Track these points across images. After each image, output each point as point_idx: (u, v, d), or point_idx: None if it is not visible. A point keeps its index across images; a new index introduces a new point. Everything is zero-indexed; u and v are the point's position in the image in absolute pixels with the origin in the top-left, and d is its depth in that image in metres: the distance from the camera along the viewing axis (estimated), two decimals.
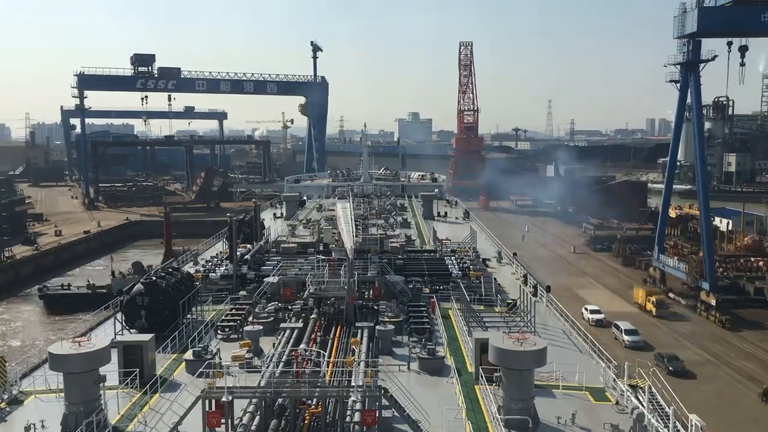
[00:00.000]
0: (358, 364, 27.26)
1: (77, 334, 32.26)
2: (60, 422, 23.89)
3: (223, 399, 22.26)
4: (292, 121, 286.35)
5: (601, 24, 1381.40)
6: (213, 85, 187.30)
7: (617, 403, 26.69)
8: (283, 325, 34.00)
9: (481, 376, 27.65)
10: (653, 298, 79.51)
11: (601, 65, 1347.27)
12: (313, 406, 24.21)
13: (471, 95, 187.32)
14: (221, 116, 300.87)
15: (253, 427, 22.43)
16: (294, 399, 23.52)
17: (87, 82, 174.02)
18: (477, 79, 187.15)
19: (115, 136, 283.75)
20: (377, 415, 22.78)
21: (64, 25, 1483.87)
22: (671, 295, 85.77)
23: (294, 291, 40.06)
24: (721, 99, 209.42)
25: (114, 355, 26.89)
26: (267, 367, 27.42)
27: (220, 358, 29.24)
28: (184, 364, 29.91)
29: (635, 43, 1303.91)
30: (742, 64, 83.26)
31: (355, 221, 48.90)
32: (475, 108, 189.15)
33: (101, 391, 24.37)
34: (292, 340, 31.48)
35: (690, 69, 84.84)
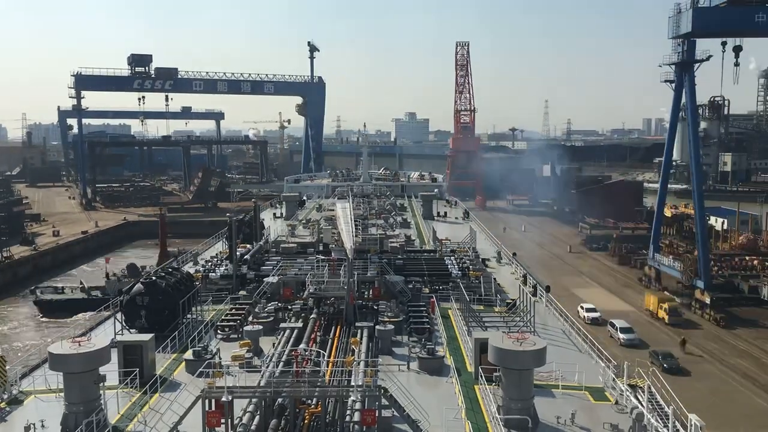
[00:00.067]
0: (358, 364, 27.25)
1: (77, 334, 32.23)
2: (60, 422, 23.84)
3: (223, 399, 22.25)
4: (289, 122, 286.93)
5: (598, 24, 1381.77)
6: (210, 86, 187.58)
7: (617, 402, 26.72)
8: (282, 324, 33.97)
9: (481, 376, 27.65)
10: (666, 305, 76.53)
11: (598, 65, 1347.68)
12: (312, 406, 24.20)
13: (468, 95, 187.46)
14: (218, 116, 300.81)
15: (252, 427, 22.41)
16: (294, 399, 23.51)
17: (84, 82, 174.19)
18: (474, 79, 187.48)
19: (112, 136, 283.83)
20: (377, 414, 22.76)
21: (61, 25, 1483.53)
22: (667, 294, 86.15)
23: (294, 291, 40.02)
24: (716, 99, 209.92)
25: (114, 354, 26.84)
26: (267, 367, 27.40)
27: (220, 358, 29.23)
28: (183, 363, 29.89)
29: (632, 43, 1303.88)
30: (737, 64, 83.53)
31: (354, 221, 49.04)
32: (472, 108, 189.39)
33: (101, 391, 24.33)
34: (291, 339, 31.46)
35: (685, 69, 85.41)
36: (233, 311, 37.46)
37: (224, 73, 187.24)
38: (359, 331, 32.61)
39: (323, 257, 45.79)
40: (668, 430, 23.67)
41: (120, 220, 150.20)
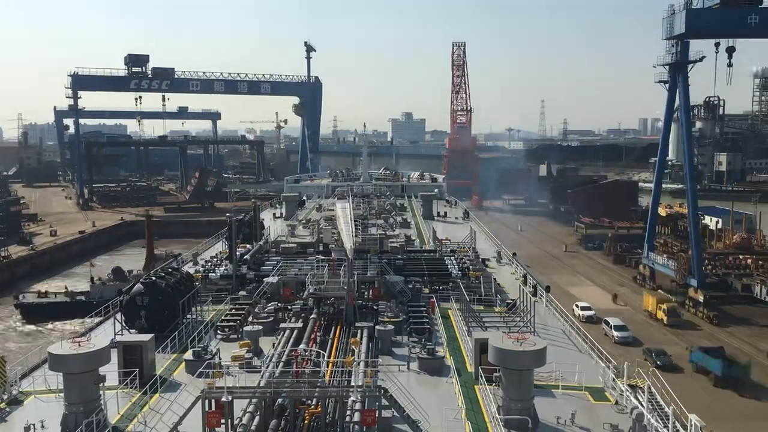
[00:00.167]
0: (358, 364, 27.23)
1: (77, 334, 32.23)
2: (60, 422, 23.81)
3: (223, 399, 22.23)
4: (285, 122, 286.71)
5: (595, 24, 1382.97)
6: (207, 86, 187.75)
7: (617, 402, 26.72)
8: (282, 325, 33.94)
9: (481, 376, 27.65)
10: (664, 306, 76.46)
11: (594, 65, 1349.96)
12: (312, 406, 24.16)
13: (464, 95, 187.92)
14: (215, 116, 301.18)
15: (252, 427, 22.38)
16: (294, 399, 23.49)
17: (81, 82, 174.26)
18: (470, 79, 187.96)
19: (109, 136, 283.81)
20: (377, 415, 22.76)
21: (56, 25, 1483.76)
22: (661, 292, 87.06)
23: (294, 291, 39.98)
24: (712, 99, 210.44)
25: (114, 355, 26.82)
26: (267, 367, 27.36)
27: (220, 358, 29.21)
28: (183, 364, 29.86)
29: (629, 43, 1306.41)
30: (730, 65, 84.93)
31: (354, 221, 49.03)
32: (468, 108, 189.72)
33: (101, 391, 24.31)
34: (291, 340, 31.43)
35: (678, 70, 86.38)
36: (233, 311, 37.42)
37: (221, 73, 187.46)
38: (359, 331, 32.58)
39: (323, 257, 45.79)
40: (668, 430, 23.68)
41: (117, 220, 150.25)
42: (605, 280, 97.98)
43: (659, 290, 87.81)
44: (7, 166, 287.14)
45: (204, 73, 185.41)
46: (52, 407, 25.29)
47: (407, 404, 23.66)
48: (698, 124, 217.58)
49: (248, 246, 53.80)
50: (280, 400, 23.81)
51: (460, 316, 37.31)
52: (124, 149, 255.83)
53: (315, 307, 36.11)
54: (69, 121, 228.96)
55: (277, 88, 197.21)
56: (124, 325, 35.03)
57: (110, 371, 25.62)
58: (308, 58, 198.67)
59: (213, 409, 22.51)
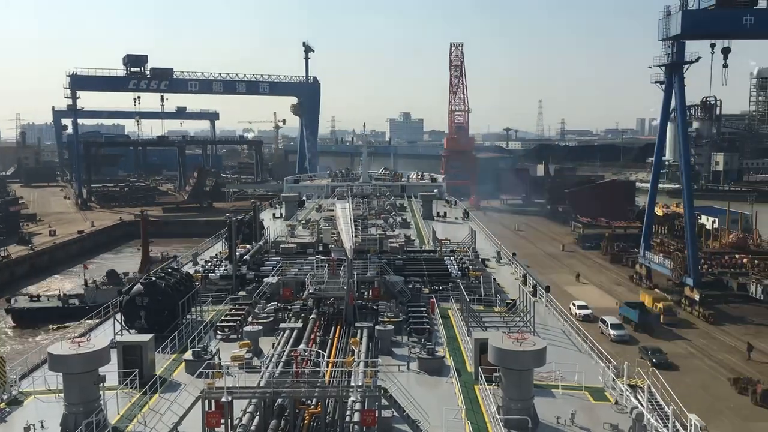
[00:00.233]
0: (358, 364, 27.22)
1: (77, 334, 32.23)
2: (59, 422, 23.80)
3: (223, 399, 22.22)
4: (284, 122, 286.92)
5: (594, 24, 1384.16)
6: (205, 86, 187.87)
7: (616, 402, 26.73)
8: (282, 325, 33.93)
9: (481, 376, 27.65)
10: (661, 305, 76.29)
11: (594, 65, 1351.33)
12: (312, 407, 24.14)
13: (462, 95, 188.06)
14: (213, 116, 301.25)
15: (252, 428, 22.36)
16: (293, 399, 23.47)
17: (80, 82, 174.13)
18: (468, 79, 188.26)
19: (107, 136, 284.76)
20: (377, 415, 22.75)
21: (57, 25, 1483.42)
22: (657, 291, 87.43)
23: (293, 291, 39.94)
24: (708, 99, 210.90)
25: (113, 355, 26.81)
26: (266, 368, 27.34)
27: (220, 359, 29.21)
28: (183, 364, 29.85)
29: (628, 43, 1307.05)
30: (725, 66, 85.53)
31: (354, 221, 48.97)
32: (466, 108, 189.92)
33: (101, 392, 24.30)
34: (291, 340, 31.42)
35: (674, 70, 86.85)
36: (233, 312, 37.42)
37: (219, 74, 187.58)
38: (359, 331, 32.57)
39: (323, 257, 45.78)
40: (668, 430, 23.68)
41: (116, 220, 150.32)
42: (603, 279, 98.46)
43: (656, 289, 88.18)
44: (5, 166, 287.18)
45: (203, 73, 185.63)
46: (51, 407, 25.28)
47: (407, 404, 23.66)
48: (695, 125, 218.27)
49: (248, 246, 53.79)
50: (279, 400, 23.80)
51: (459, 316, 37.30)
52: (122, 149, 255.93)
53: (315, 308, 36.10)
54: (67, 121, 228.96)
55: (276, 88, 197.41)
56: (124, 325, 35.03)
57: (110, 371, 25.62)
58: (306, 58, 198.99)
59: (213, 409, 22.50)
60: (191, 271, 46.14)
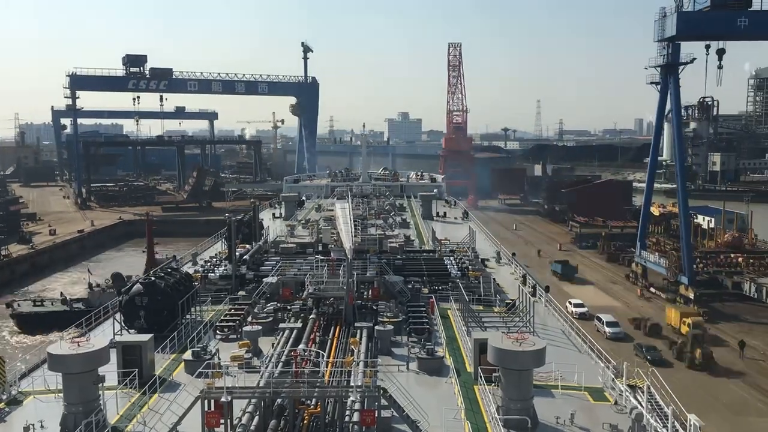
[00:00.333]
0: (357, 364, 27.22)
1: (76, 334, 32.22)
2: (59, 422, 23.80)
3: (222, 399, 22.21)
4: (282, 121, 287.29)
5: (594, 24, 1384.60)
6: (205, 86, 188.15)
7: (616, 403, 26.74)
8: (282, 325, 33.93)
9: (480, 376, 27.66)
10: (689, 320, 68.00)
11: (594, 65, 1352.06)
12: (312, 406, 24.13)
13: (460, 95, 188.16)
14: (212, 116, 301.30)
15: (252, 427, 22.37)
16: (293, 399, 23.46)
17: (79, 82, 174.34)
18: (467, 79, 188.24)
19: (107, 136, 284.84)
20: (376, 415, 22.74)
21: (57, 25, 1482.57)
22: (653, 290, 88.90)
23: (293, 291, 39.89)
24: (706, 99, 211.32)
25: (113, 355, 26.80)
26: (266, 368, 27.33)
27: (219, 359, 29.20)
28: (183, 364, 29.84)
29: (628, 43, 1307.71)
30: (720, 67, 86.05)
31: (353, 221, 48.91)
32: (464, 108, 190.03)
33: (100, 392, 24.30)
34: (291, 340, 31.41)
35: (669, 71, 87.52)
36: (232, 311, 37.41)
37: (218, 74, 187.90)
38: (358, 331, 32.58)
39: (322, 257, 45.76)
40: (667, 430, 23.68)
41: (115, 220, 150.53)
42: (599, 278, 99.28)
43: (652, 288, 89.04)
44: (4, 166, 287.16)
45: (202, 73, 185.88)
46: (51, 407, 25.27)
47: (406, 404, 23.66)
48: (692, 125, 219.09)
49: (247, 246, 53.78)
50: (279, 400, 23.79)
51: (459, 316, 37.29)
52: (121, 149, 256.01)
53: (314, 308, 36.10)
54: (66, 121, 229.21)
55: (275, 88, 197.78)
56: (124, 325, 35.01)
57: (109, 371, 25.62)
58: (305, 58, 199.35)
59: (212, 409, 22.51)
60: (191, 271, 46.12)
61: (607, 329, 70.67)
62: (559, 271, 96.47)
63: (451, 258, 50.92)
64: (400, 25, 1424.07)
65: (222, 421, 22.27)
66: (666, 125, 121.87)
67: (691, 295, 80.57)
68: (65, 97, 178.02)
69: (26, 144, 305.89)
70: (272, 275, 42.93)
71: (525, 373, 24.22)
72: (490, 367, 25.94)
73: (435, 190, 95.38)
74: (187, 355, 29.94)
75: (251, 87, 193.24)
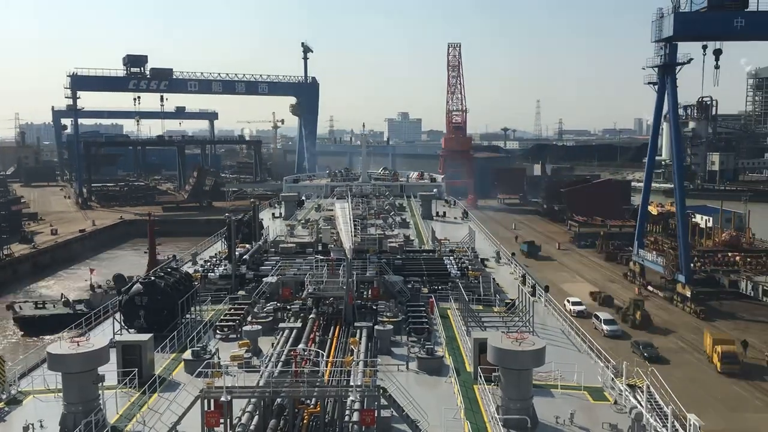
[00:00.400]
0: (357, 364, 27.21)
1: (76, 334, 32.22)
2: (59, 422, 23.78)
3: (222, 399, 22.19)
4: (282, 121, 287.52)
5: (594, 24, 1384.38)
6: (205, 86, 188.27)
7: (616, 402, 26.73)
8: (281, 324, 33.89)
9: (480, 376, 27.65)
10: (720, 349, 60.82)
11: (594, 65, 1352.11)
12: (311, 406, 24.15)
13: (459, 95, 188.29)
14: (212, 116, 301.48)
15: (251, 427, 22.37)
16: (293, 399, 23.45)
17: (80, 82, 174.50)
18: (467, 79, 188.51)
19: (107, 136, 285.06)
20: (376, 414, 22.74)
21: (57, 25, 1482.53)
22: (650, 288, 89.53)
23: (293, 291, 39.88)
24: (705, 99, 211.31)
25: (113, 354, 26.77)
26: (266, 367, 27.31)
27: (219, 358, 29.18)
28: (182, 363, 29.83)
29: (628, 43, 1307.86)
30: (717, 67, 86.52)
31: (353, 221, 48.96)
32: (464, 108, 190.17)
33: (100, 391, 24.29)
34: (290, 339, 31.39)
35: (667, 72, 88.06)
36: (232, 311, 37.40)
37: (219, 74, 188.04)
38: (358, 331, 32.57)
39: (322, 257, 45.74)
40: (667, 429, 23.67)
41: (116, 219, 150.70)
42: (597, 277, 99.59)
43: (649, 286, 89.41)
44: (5, 166, 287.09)
45: (202, 73, 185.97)
46: (51, 407, 25.25)
47: (406, 404, 23.64)
48: (691, 124, 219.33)
49: (247, 246, 53.77)
50: (279, 399, 23.78)
51: (459, 315, 37.28)
52: (122, 149, 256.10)
53: (314, 307, 36.08)
54: (66, 121, 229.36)
55: (275, 88, 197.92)
56: (123, 324, 35.01)
57: (109, 371, 25.60)
58: (305, 58, 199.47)
59: (212, 408, 22.48)
60: (190, 271, 46.12)
61: (605, 327, 71.56)
62: (525, 249, 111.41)
63: (451, 258, 50.90)
64: (400, 25, 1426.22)
65: (222, 420, 22.22)
66: (664, 125, 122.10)
67: (688, 294, 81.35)
68: (66, 97, 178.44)
69: (27, 144, 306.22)
70: (272, 275, 42.93)
71: (524, 372, 24.20)
72: (489, 367, 25.93)
73: (435, 190, 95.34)
74: (187, 354, 29.93)
75: (251, 87, 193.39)
